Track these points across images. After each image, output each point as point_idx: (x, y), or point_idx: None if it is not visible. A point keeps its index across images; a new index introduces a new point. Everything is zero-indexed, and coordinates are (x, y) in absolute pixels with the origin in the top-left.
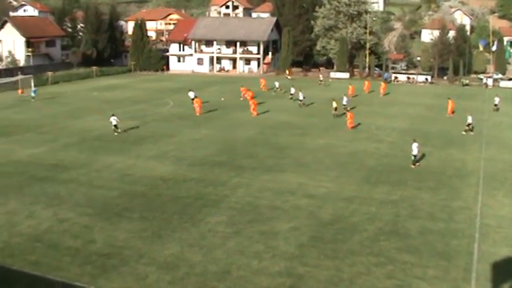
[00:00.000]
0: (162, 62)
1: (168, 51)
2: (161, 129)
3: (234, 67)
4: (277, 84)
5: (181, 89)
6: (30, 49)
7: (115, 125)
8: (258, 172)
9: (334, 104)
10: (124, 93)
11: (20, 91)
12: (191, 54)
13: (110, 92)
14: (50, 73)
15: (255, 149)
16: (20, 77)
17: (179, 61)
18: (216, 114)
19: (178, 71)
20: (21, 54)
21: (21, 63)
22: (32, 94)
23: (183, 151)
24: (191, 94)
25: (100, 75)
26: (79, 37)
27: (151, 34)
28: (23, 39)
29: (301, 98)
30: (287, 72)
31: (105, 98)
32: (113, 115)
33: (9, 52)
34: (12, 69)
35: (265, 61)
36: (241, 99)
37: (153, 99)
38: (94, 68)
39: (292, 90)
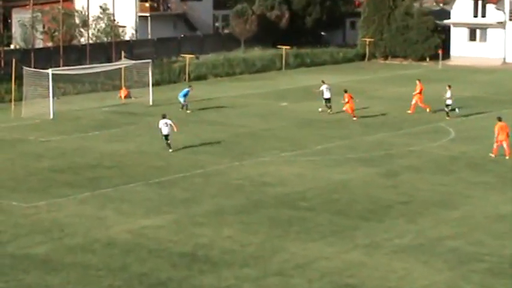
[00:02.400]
0: (434, 41)
1: (449, 16)
2: (426, 186)
3: None
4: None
5: (476, 101)
6: (147, 3)
7: (165, 136)
8: None
9: None
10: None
11: (123, 93)
12: (501, 23)
13: (316, 101)
14: (187, 57)
15: None
16: (123, 62)
17: (472, 39)
18: None
19: (468, 59)
20: (128, 16)
21: (128, 33)
22: (180, 100)
23: (473, 239)
24: (326, 92)
25: (295, 66)
26: None
27: None
28: None
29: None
30: None
31: (306, 115)
32: (164, 116)
33: (103, 9)
34: (109, 46)
35: None
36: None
37: (410, 121)
38: (284, 48)
39: None
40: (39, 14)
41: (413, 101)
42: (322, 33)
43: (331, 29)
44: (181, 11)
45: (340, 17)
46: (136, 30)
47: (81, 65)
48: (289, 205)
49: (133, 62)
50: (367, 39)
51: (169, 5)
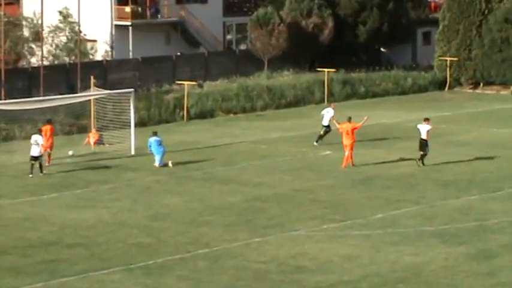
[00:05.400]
0: None
1: None
2: None
3: None
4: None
5: None
6: (128, 6)
7: (34, 158)
8: None
9: None
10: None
11: (92, 137)
12: None
13: (376, 148)
14: (186, 84)
15: None
16: (93, 93)
17: None
18: None
19: None
20: (100, 26)
21: (100, 50)
22: (156, 157)
23: None
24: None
25: (343, 97)
26: None
27: None
28: None
29: None
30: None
31: (360, 168)
32: (39, 132)
33: (64, 16)
34: (72, 69)
35: None
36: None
37: None
38: (326, 72)
39: None
40: None
41: None
42: (382, 49)
43: (396, 43)
44: (178, 18)
45: (408, 27)
46: (112, 47)
47: (31, 96)
48: None
49: (108, 92)
50: (448, 59)
51: (159, 9)
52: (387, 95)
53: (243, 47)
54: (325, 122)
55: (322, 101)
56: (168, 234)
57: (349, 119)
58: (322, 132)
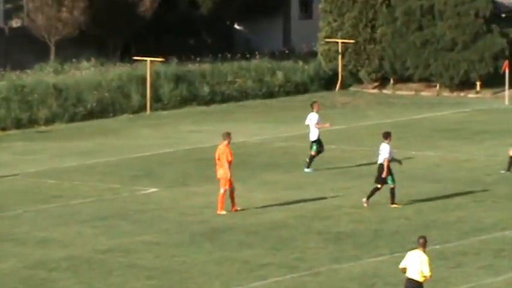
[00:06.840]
0: (493, 45)
1: None
2: None
3: None
4: None
5: None
6: None
7: None
8: None
9: None
10: None
11: None
12: None
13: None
14: None
15: None
16: None
17: None
18: None
19: None
20: None
21: None
22: None
23: None
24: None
25: (175, 103)
26: None
27: None
28: None
29: None
30: None
31: (202, 215)
32: None
33: None
34: None
35: None
36: None
37: (439, 225)
38: (148, 62)
39: None
40: None
41: None
42: (237, 26)
43: (258, 16)
44: None
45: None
46: None
47: None
48: None
49: None
50: (340, 41)
51: None
52: (245, 99)
53: (16, 23)
54: (313, 137)
55: (142, 108)
56: None
57: (226, 136)
58: (312, 152)
